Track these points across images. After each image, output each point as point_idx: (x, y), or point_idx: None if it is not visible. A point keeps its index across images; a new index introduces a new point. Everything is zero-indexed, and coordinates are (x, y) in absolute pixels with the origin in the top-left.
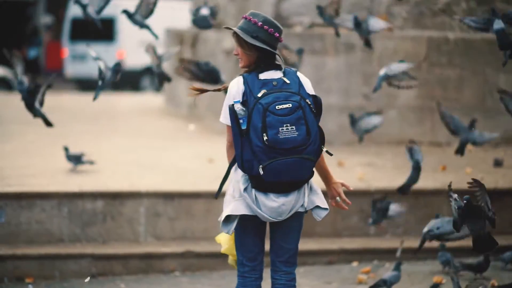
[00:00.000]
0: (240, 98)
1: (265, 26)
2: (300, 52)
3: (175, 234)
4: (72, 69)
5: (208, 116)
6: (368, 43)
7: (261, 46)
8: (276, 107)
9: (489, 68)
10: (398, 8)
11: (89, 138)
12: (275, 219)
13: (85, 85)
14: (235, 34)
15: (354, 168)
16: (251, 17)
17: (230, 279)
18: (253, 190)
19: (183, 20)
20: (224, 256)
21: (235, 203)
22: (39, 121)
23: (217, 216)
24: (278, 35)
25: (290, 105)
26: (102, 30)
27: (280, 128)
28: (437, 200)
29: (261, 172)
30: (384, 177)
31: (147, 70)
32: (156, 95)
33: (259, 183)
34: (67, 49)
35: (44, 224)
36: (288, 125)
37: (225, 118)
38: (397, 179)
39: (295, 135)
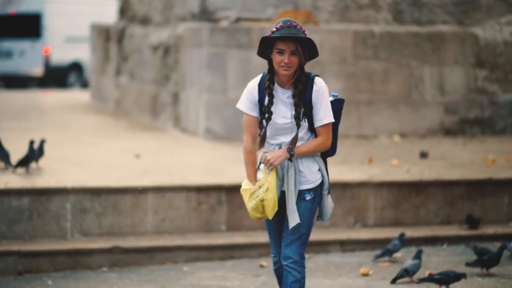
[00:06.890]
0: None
1: (303, 29)
2: None
3: (102, 230)
4: None
5: (135, 111)
6: None
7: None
8: None
9: (414, 61)
10: (324, 2)
11: (15, 135)
12: None
13: (11, 82)
14: (294, 43)
15: None
16: (296, 23)
17: (158, 273)
18: None
19: (109, 15)
20: (152, 251)
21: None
22: None
23: (144, 211)
24: None
25: None
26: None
27: None
28: (364, 192)
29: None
30: None
31: (74, 66)
32: (83, 91)
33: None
34: None
35: None
36: None
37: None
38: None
39: None
